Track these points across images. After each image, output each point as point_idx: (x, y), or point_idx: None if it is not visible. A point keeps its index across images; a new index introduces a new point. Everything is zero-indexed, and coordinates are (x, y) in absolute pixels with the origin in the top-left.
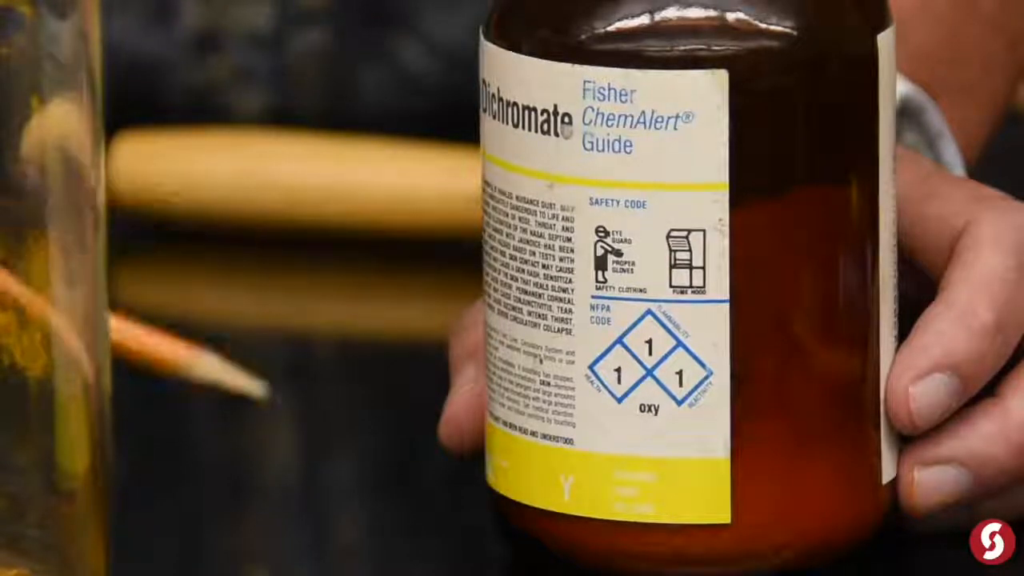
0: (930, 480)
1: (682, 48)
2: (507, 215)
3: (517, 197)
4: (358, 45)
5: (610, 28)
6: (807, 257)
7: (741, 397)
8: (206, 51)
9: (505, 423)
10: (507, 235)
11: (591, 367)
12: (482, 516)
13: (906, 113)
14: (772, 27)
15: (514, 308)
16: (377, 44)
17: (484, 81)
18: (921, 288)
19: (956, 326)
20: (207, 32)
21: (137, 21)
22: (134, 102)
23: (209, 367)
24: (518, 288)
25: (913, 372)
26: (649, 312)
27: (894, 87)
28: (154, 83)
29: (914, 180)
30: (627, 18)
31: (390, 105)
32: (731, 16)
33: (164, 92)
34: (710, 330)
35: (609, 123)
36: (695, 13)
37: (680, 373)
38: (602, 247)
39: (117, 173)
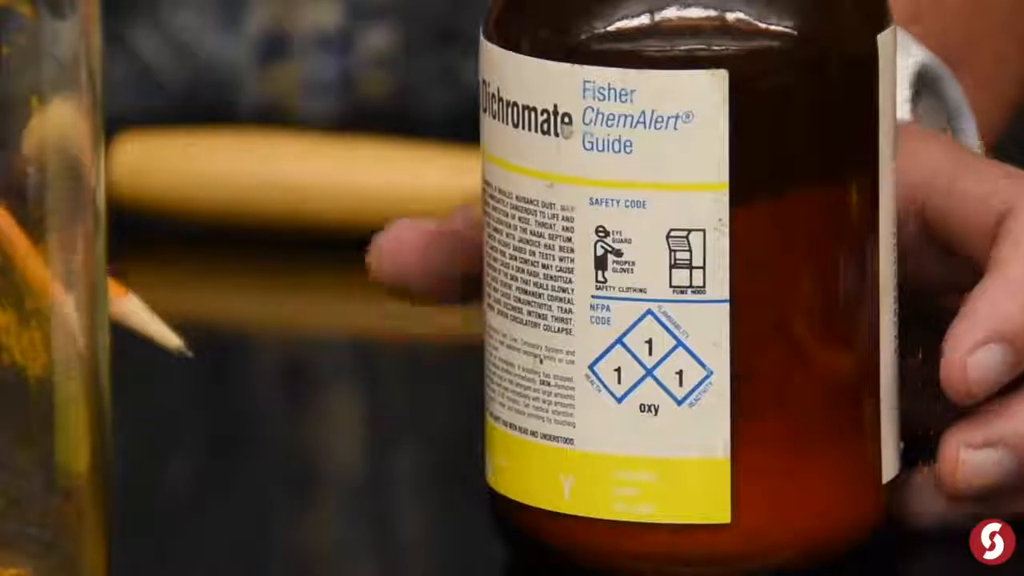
0: (975, 461)
1: (682, 48)
2: (507, 215)
3: (517, 197)
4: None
5: (610, 28)
6: (807, 257)
7: (741, 397)
8: (273, 53)
9: (505, 423)
10: (507, 235)
11: (591, 367)
12: (482, 516)
13: (924, 83)
14: (772, 27)
15: (514, 308)
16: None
17: (484, 81)
18: (949, 271)
19: (1011, 299)
20: (274, 33)
21: (206, 23)
22: (203, 105)
23: (130, 309)
24: (518, 288)
25: (969, 342)
26: (649, 312)
27: (894, 87)
28: (223, 86)
29: (945, 156)
30: (627, 18)
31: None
32: (731, 16)
33: (234, 94)
34: (710, 330)
35: (609, 123)
36: (695, 13)
37: (680, 373)
38: (602, 247)
39: (117, 173)
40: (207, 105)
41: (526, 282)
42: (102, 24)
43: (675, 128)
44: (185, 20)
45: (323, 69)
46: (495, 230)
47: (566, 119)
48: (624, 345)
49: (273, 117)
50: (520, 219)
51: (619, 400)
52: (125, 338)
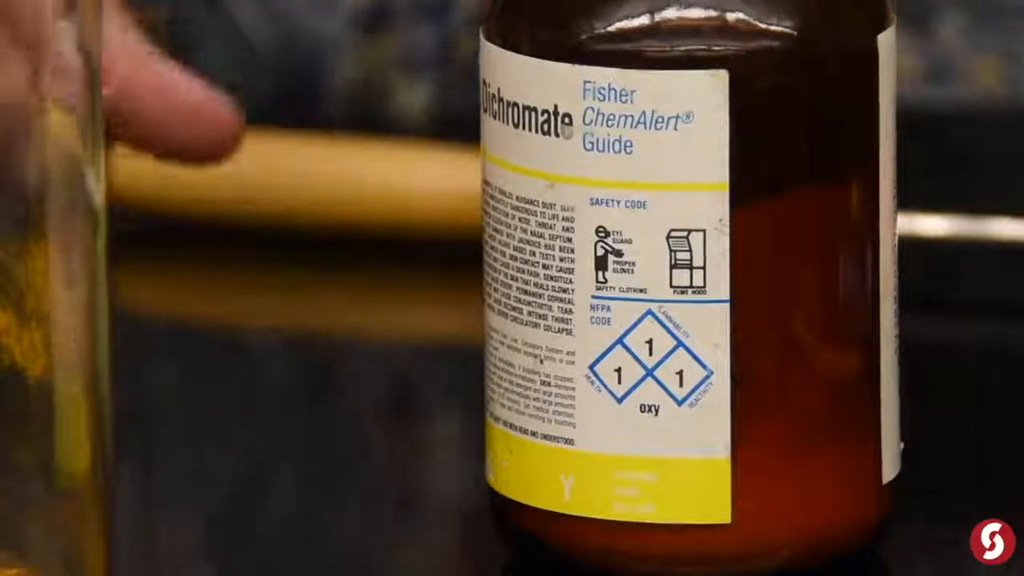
0: None
1: (682, 48)
2: (507, 215)
3: (517, 197)
4: None
5: (610, 28)
6: (807, 257)
7: (741, 397)
8: (370, 30)
9: (505, 423)
10: (507, 235)
11: (591, 367)
12: (482, 516)
13: None
14: (772, 27)
15: (514, 308)
16: None
17: (484, 81)
18: None
19: None
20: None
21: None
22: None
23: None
24: (518, 288)
25: None
26: (649, 312)
27: (894, 87)
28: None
29: None
30: (627, 18)
31: None
32: (731, 16)
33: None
34: (710, 330)
35: (609, 123)
36: (695, 13)
37: (680, 373)
38: (602, 247)
39: (117, 173)
40: (301, 77)
41: (526, 282)
42: None
43: (675, 128)
44: None
45: (423, 38)
46: (495, 230)
47: (566, 119)
48: (624, 345)
49: (368, 91)
50: (520, 219)
51: (619, 400)
52: (125, 337)
